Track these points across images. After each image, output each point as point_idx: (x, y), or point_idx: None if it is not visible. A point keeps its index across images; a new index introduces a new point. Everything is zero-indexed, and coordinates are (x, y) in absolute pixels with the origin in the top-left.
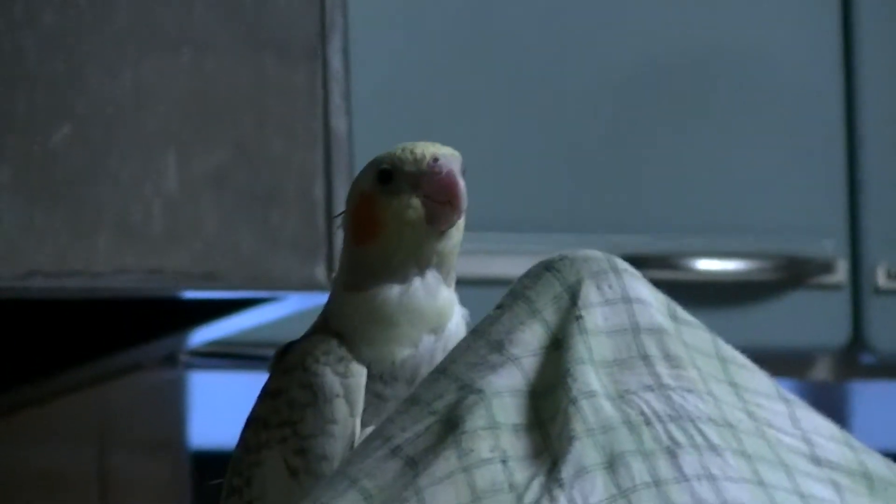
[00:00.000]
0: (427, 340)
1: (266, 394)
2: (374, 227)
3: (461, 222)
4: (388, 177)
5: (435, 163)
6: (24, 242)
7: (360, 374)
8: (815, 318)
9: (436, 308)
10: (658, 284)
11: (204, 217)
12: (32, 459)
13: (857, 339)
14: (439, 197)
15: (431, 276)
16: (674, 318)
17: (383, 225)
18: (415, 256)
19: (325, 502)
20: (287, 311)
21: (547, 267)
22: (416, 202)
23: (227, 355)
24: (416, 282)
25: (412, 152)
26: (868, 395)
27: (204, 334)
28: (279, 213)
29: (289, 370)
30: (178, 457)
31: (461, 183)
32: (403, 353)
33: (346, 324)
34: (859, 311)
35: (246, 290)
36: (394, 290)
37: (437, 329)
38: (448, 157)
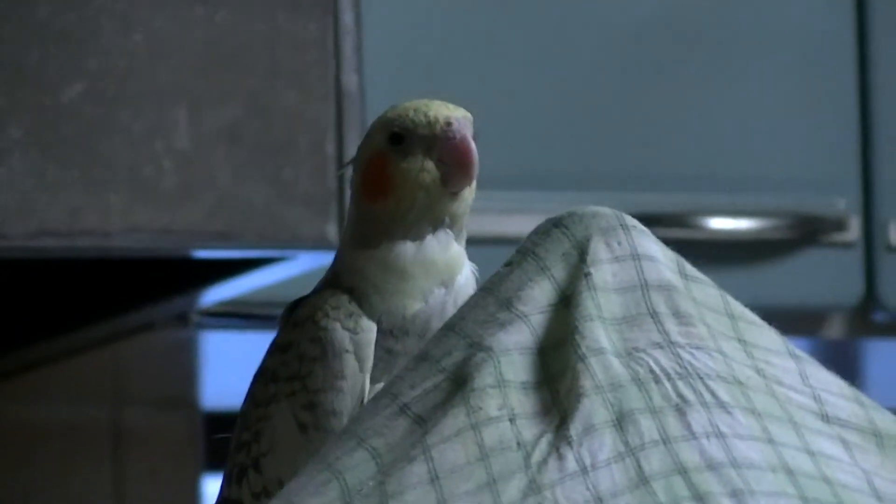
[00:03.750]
0: (438, 293)
1: (275, 348)
2: (387, 187)
3: (474, 182)
4: (399, 139)
5: (448, 127)
6: (37, 200)
7: (369, 329)
8: (827, 276)
9: (447, 261)
10: (670, 243)
11: (216, 172)
12: (45, 418)
13: (870, 297)
14: (453, 162)
15: (443, 233)
16: (683, 274)
17: (396, 185)
18: (428, 216)
19: (332, 461)
20: (298, 270)
21: (556, 224)
22: (430, 165)
23: (239, 315)
24: (429, 238)
25: (425, 115)
26: (880, 353)
27: (216, 294)
28: (291, 169)
29: (299, 324)
30: (191, 416)
31: (474, 148)
32: (415, 306)
33: (358, 278)
34: (872, 269)
35: (258, 248)
36: (407, 246)
37: (448, 282)
38: (461, 120)
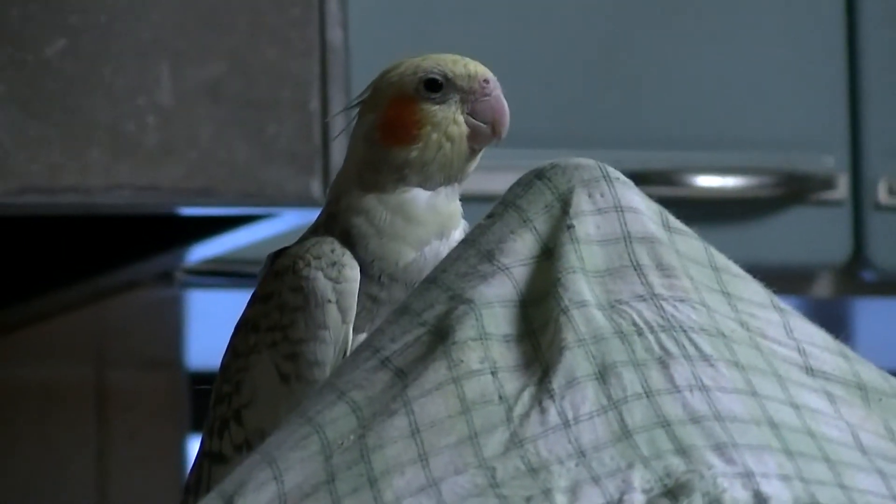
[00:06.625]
0: (434, 245)
1: (256, 298)
2: (413, 132)
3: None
4: (436, 86)
5: (486, 84)
6: (18, 156)
7: (353, 279)
8: (815, 235)
9: (449, 214)
10: (657, 201)
11: (198, 129)
12: (30, 377)
13: (858, 256)
14: (487, 119)
15: (452, 187)
16: (666, 226)
17: (424, 133)
18: (446, 168)
19: (312, 415)
20: (282, 227)
21: (538, 175)
22: (460, 118)
23: (224, 273)
24: (441, 189)
25: (465, 67)
26: (869, 312)
27: (200, 252)
28: (274, 125)
29: (280, 274)
30: (175, 375)
31: (507, 109)
32: (410, 255)
33: (361, 220)
34: (860, 228)
35: (241, 205)
36: (421, 194)
37: (445, 235)
38: (495, 80)
